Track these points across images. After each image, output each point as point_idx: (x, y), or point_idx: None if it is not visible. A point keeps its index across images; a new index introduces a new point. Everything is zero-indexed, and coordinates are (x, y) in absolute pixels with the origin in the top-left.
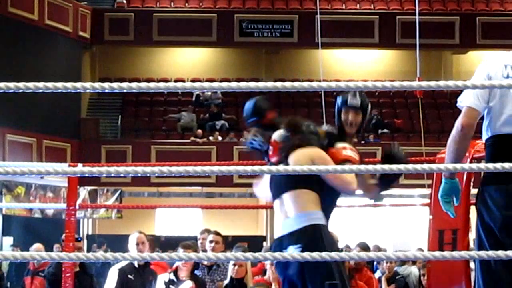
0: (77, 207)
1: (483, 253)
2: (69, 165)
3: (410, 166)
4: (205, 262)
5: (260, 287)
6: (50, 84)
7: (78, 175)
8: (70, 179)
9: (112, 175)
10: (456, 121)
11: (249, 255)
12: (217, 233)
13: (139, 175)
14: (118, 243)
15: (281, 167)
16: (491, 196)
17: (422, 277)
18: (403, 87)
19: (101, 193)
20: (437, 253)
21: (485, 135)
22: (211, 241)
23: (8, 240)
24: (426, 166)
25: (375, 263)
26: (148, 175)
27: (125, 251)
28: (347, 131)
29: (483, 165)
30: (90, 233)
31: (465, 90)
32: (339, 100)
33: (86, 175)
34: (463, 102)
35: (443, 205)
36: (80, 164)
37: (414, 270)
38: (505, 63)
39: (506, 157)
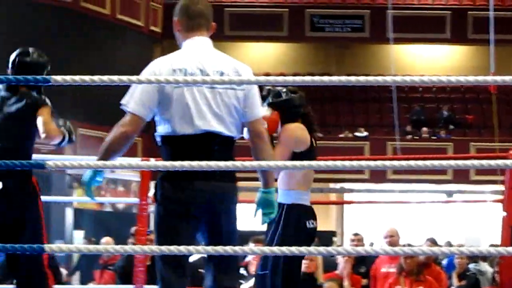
0: (149, 201)
1: None
2: (142, 159)
3: (484, 162)
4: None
5: (331, 282)
6: (115, 77)
7: (151, 169)
8: (142, 173)
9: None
10: None
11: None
12: None
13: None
14: None
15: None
16: None
17: (495, 274)
18: (478, 81)
19: None
20: (510, 249)
21: None
22: None
23: (79, 234)
24: (500, 162)
25: (448, 260)
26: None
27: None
28: None
29: None
30: None
31: None
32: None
33: (159, 169)
34: None
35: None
36: (152, 159)
37: (486, 267)
38: None
39: None
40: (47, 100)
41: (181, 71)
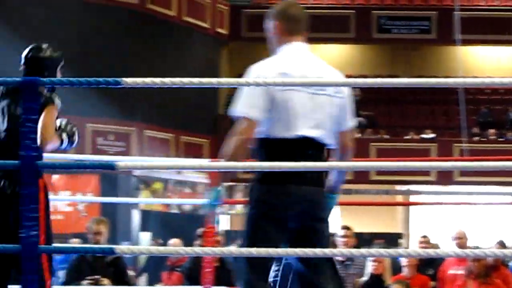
0: None
1: None
2: (211, 161)
3: None
4: (339, 258)
5: (398, 284)
6: (186, 80)
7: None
8: (212, 174)
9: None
10: None
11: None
12: (346, 228)
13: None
14: None
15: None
16: None
17: None
18: None
19: (237, 189)
20: None
21: None
22: (341, 236)
23: (145, 235)
24: None
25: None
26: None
27: None
28: None
29: None
30: (227, 228)
31: None
32: None
33: (227, 170)
34: None
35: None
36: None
37: None
38: None
39: None
40: (56, 99)
41: (287, 76)
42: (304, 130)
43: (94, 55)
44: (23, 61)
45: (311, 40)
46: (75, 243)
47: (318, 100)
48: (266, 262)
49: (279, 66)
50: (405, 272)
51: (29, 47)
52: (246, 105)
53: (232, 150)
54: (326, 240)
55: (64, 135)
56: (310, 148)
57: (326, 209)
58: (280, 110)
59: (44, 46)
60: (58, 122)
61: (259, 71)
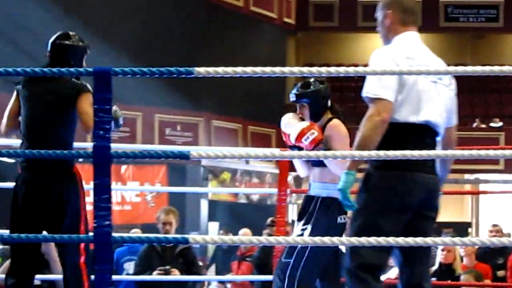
0: (288, 192)
1: None
2: (280, 150)
3: None
4: None
5: (469, 273)
6: (257, 69)
7: (289, 160)
8: (280, 164)
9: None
10: None
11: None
12: None
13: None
14: None
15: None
16: None
17: None
18: None
19: (305, 179)
20: None
21: None
22: None
23: (213, 225)
24: None
25: None
26: (351, 159)
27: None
28: None
29: None
30: (295, 218)
31: None
32: None
33: (296, 159)
34: None
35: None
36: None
37: None
38: None
39: None
40: (88, 86)
41: (413, 61)
42: (429, 115)
43: (161, 46)
44: (49, 47)
45: (376, 30)
46: (136, 233)
47: (439, 88)
48: (387, 252)
49: (404, 51)
50: (465, 261)
51: (56, 35)
52: (379, 86)
53: (367, 133)
54: (433, 230)
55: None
56: (429, 136)
57: (438, 199)
58: (408, 93)
59: (72, 34)
60: None
61: (387, 53)
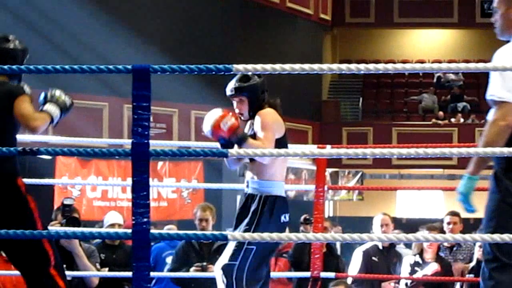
0: (326, 188)
1: None
2: (318, 147)
3: None
4: (446, 244)
5: None
6: (296, 66)
7: (326, 157)
8: (318, 160)
9: (354, 157)
10: None
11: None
12: (454, 214)
13: (379, 156)
14: (358, 225)
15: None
16: None
17: None
18: None
19: (342, 175)
20: None
21: None
22: (448, 223)
23: None
24: None
25: None
26: (388, 156)
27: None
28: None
29: None
30: (331, 214)
31: None
32: None
33: (334, 156)
34: None
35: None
36: (328, 146)
37: None
38: None
39: None
40: (26, 88)
41: None
42: None
43: (196, 43)
44: None
45: (415, 25)
46: (171, 229)
47: None
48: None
49: None
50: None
51: None
52: (505, 89)
53: (491, 138)
54: None
55: (53, 109)
56: None
57: None
58: None
59: (11, 37)
60: (40, 101)
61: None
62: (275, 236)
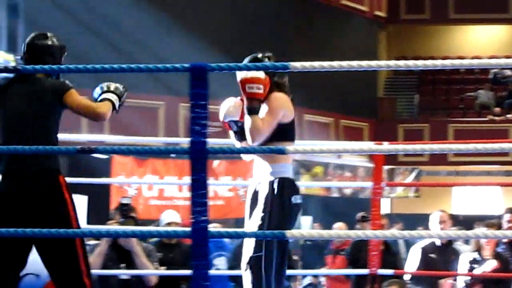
0: (383, 185)
1: None
2: (375, 144)
3: None
4: (505, 240)
5: None
6: (344, 63)
7: (384, 153)
8: (375, 157)
9: (412, 153)
10: None
11: None
12: None
13: (437, 152)
14: (414, 222)
15: None
16: None
17: None
18: None
19: (398, 172)
20: None
21: None
22: (509, 221)
23: (306, 220)
24: None
25: None
26: (446, 152)
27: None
28: None
29: None
30: (387, 212)
31: None
32: None
33: (391, 153)
34: None
35: None
36: (385, 143)
37: None
38: None
39: None
40: (68, 82)
41: None
42: None
43: (250, 40)
44: (25, 49)
45: (470, 22)
46: (216, 227)
47: None
48: None
49: None
50: None
51: (33, 35)
52: None
53: None
54: None
55: (113, 97)
56: None
57: None
58: None
59: (50, 34)
60: (96, 93)
61: None
62: (333, 233)
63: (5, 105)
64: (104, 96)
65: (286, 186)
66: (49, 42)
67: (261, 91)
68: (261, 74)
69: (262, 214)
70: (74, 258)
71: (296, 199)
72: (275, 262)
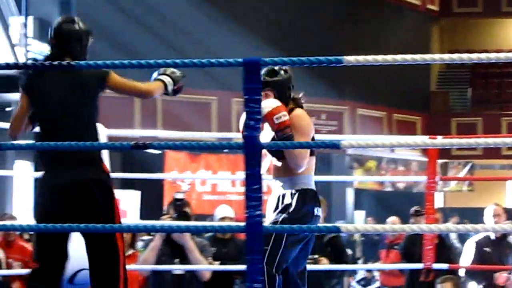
0: (437, 179)
1: None
2: (429, 138)
3: None
4: None
5: None
6: (398, 57)
7: (439, 147)
8: (429, 151)
9: (466, 146)
10: None
11: None
12: None
13: (492, 146)
14: (469, 216)
15: None
16: None
17: None
18: None
19: (451, 166)
20: None
21: None
22: None
23: (359, 214)
24: None
25: None
26: (500, 145)
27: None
28: None
29: None
30: (441, 206)
31: None
32: None
33: (446, 147)
34: None
35: None
36: (439, 137)
37: None
38: None
39: None
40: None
41: None
42: None
43: (301, 34)
44: (53, 34)
45: (508, 15)
46: None
47: None
48: None
49: None
50: None
51: (60, 19)
52: None
53: None
54: None
55: (166, 78)
56: None
57: None
58: None
59: (76, 19)
60: (153, 77)
61: None
62: (388, 227)
63: (43, 93)
64: (158, 77)
65: (308, 198)
66: (76, 27)
67: (287, 117)
68: (278, 102)
69: (279, 214)
70: (114, 250)
71: (318, 211)
72: (278, 259)
